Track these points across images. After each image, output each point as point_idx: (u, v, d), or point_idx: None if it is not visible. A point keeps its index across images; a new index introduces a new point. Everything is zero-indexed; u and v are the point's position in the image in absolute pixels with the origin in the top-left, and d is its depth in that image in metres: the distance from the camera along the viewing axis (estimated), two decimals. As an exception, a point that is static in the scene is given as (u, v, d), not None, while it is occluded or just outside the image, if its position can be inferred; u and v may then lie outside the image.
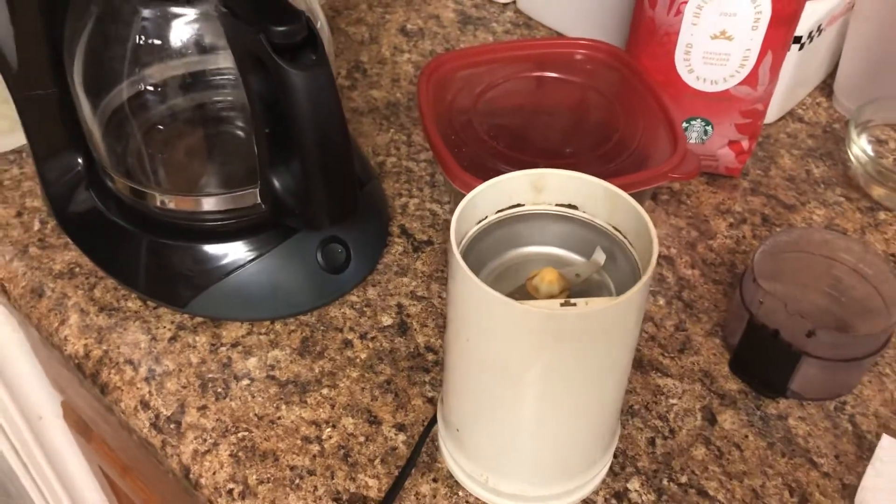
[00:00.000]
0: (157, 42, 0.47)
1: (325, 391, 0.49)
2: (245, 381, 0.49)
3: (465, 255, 0.39)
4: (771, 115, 0.66)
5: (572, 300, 0.36)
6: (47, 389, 0.78)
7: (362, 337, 0.52)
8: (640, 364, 0.51)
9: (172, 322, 0.52)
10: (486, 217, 0.41)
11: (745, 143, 0.60)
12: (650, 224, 0.37)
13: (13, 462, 0.81)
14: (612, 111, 0.58)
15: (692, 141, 0.60)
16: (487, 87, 0.60)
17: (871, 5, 0.64)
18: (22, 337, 0.73)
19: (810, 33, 0.62)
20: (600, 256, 0.40)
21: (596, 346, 0.36)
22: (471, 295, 0.36)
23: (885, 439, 0.45)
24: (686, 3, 0.53)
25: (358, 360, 0.50)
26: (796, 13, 0.54)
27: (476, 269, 0.40)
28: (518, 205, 0.41)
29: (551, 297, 0.39)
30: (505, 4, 0.80)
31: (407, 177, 0.62)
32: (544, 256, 0.42)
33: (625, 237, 0.39)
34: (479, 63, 0.62)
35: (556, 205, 0.41)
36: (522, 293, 0.40)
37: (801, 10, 0.55)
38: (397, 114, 0.68)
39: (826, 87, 0.71)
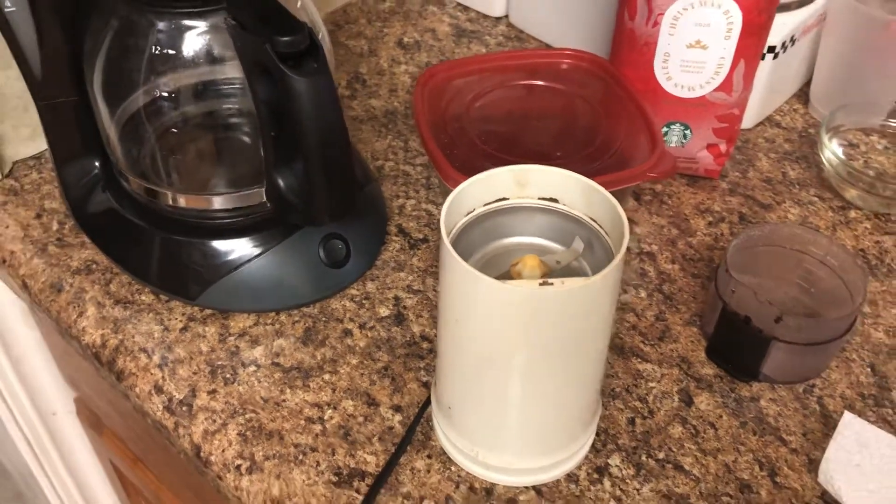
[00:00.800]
0: (171, 52, 0.50)
1: (326, 376, 0.52)
2: (252, 368, 0.53)
3: (454, 244, 0.43)
4: (749, 120, 0.70)
5: (550, 280, 0.40)
6: (61, 386, 0.81)
7: (361, 327, 0.55)
8: (622, 350, 0.54)
9: (183, 314, 0.56)
10: (474, 209, 0.44)
11: (722, 147, 0.64)
12: (622, 213, 0.40)
13: (28, 458, 0.84)
14: (596, 116, 0.62)
15: (672, 144, 0.64)
16: (479, 95, 0.64)
17: (841, 19, 0.68)
18: (38, 336, 0.76)
19: (784, 43, 0.66)
20: (579, 245, 0.44)
21: (573, 324, 0.40)
22: (458, 278, 0.40)
23: (847, 415, 0.49)
24: (663, 14, 0.57)
25: (357, 347, 0.54)
26: (766, 24, 0.58)
27: (464, 258, 0.43)
28: (503, 198, 0.45)
29: (534, 280, 0.42)
30: (498, 18, 0.84)
31: (404, 180, 0.66)
32: (528, 246, 0.45)
33: (601, 227, 0.43)
34: (471, 73, 0.66)
35: (539, 198, 0.45)
36: (507, 278, 0.43)
37: (771, 22, 0.58)
38: (395, 121, 0.71)
39: (803, 94, 0.75)
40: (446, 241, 0.39)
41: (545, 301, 0.38)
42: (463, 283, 0.39)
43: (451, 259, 0.39)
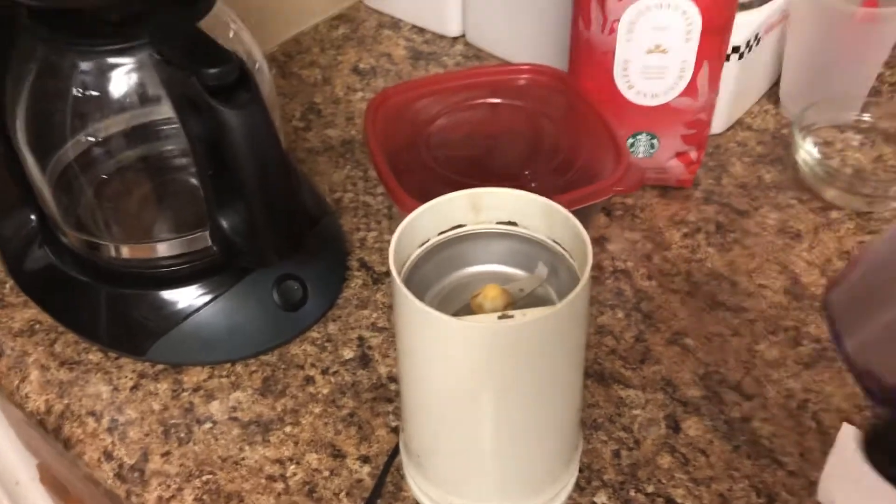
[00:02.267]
0: (99, 94, 0.47)
1: (287, 429, 0.49)
2: (208, 425, 0.49)
3: (408, 279, 0.40)
4: (719, 125, 0.67)
5: (510, 312, 0.36)
6: (22, 453, 0.77)
7: (324, 372, 0.52)
8: (602, 377, 0.51)
9: (134, 371, 0.52)
10: (429, 240, 0.41)
11: (693, 154, 0.61)
12: (584, 234, 0.37)
13: (-7, 530, 0.80)
14: (559, 132, 0.59)
15: (640, 155, 0.61)
16: (436, 117, 0.61)
17: (804, 14, 0.65)
18: (-7, 401, 0.72)
19: (748, 42, 0.63)
20: (542, 270, 0.41)
21: (541, 357, 0.36)
22: (413, 317, 0.36)
23: (845, 427, 0.45)
24: (618, 20, 0.54)
25: (320, 395, 0.50)
26: (728, 23, 0.55)
27: (421, 293, 0.40)
28: (459, 225, 0.42)
29: (496, 312, 0.39)
30: (454, 38, 0.81)
31: (364, 211, 0.63)
32: (488, 274, 0.42)
33: (564, 249, 0.40)
34: (427, 94, 0.63)
35: (497, 223, 0.42)
36: (468, 312, 0.40)
37: (733, 20, 0.56)
38: (353, 151, 0.68)
39: (773, 94, 0.72)
40: (396, 278, 0.36)
41: (506, 336, 0.35)
42: (417, 322, 0.36)
43: (403, 297, 0.36)
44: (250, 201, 0.44)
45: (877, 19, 0.64)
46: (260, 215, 0.44)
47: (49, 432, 0.51)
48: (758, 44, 0.65)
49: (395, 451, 0.46)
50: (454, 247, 0.42)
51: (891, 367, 0.26)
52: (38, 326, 0.55)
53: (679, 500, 0.45)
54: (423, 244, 0.41)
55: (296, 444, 0.48)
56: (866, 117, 0.67)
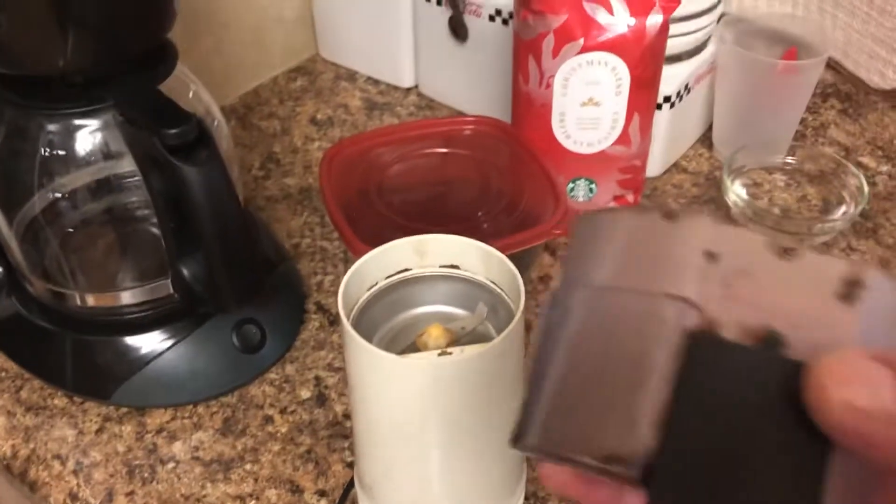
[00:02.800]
0: (64, 153, 0.50)
1: (248, 466, 0.51)
2: (171, 465, 0.51)
3: (357, 321, 0.43)
4: (655, 168, 0.71)
5: (449, 350, 0.40)
6: (-14, 500, 0.78)
7: (282, 411, 0.54)
8: (545, 409, 0.54)
9: (98, 414, 0.54)
10: (377, 283, 0.44)
11: (629, 197, 0.65)
12: (518, 275, 0.41)
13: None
14: (504, 178, 0.63)
15: (580, 199, 0.65)
16: (388, 166, 0.65)
17: (731, 66, 0.70)
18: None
19: (678, 92, 0.68)
20: (482, 309, 0.44)
21: (480, 390, 0.40)
22: (361, 356, 0.39)
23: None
24: (554, 76, 0.58)
25: (279, 433, 0.53)
26: (654, 77, 0.60)
27: (369, 334, 0.43)
28: (405, 269, 0.45)
29: (439, 349, 0.42)
30: (408, 89, 0.85)
31: (321, 255, 0.66)
32: (433, 315, 0.45)
33: (501, 289, 0.43)
34: (379, 145, 0.66)
35: (440, 266, 0.45)
36: (414, 350, 0.43)
37: (660, 74, 0.60)
38: (310, 198, 0.72)
39: (706, 138, 0.77)
40: (345, 320, 0.39)
41: (446, 370, 0.38)
42: (365, 361, 0.39)
43: (351, 338, 0.39)
44: (209, 251, 0.47)
45: (796, 71, 0.69)
46: (219, 264, 0.47)
47: (15, 476, 0.53)
48: (688, 93, 0.70)
49: (351, 485, 0.49)
50: (400, 289, 0.45)
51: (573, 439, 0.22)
52: (3, 374, 0.57)
53: (617, 523, 0.48)
54: (371, 287, 0.44)
55: (255, 480, 0.50)
56: (791, 160, 0.71)
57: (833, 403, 0.19)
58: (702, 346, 0.20)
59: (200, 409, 0.54)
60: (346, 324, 0.39)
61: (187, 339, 0.54)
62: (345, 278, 0.41)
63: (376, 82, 0.86)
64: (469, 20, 0.73)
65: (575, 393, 0.21)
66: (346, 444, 0.52)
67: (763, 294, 0.20)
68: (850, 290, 0.20)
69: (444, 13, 0.75)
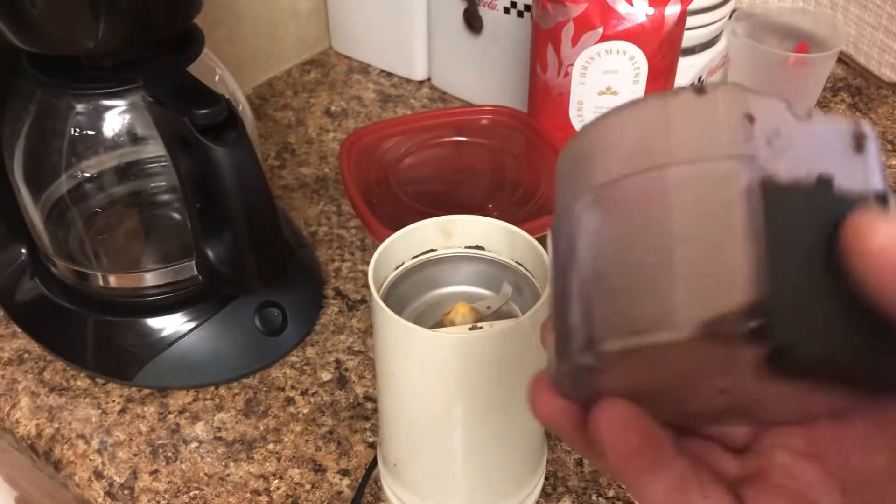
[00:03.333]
0: (93, 133, 0.51)
1: (270, 446, 0.52)
2: (194, 444, 0.52)
3: (385, 299, 0.43)
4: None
5: (479, 324, 0.40)
6: (1, 486, 0.78)
7: (304, 393, 0.55)
8: (564, 392, 0.54)
9: (121, 395, 0.55)
10: (403, 263, 0.45)
11: (644, 187, 0.66)
12: (544, 254, 0.41)
13: (-32, 566, 0.80)
14: (520, 167, 0.63)
15: (596, 188, 0.65)
16: (405, 155, 0.65)
17: (743, 58, 0.71)
18: (-27, 435, 0.74)
19: (692, 84, 0.69)
20: (507, 289, 0.45)
21: (507, 366, 0.40)
22: (390, 331, 0.40)
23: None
24: (572, 65, 0.59)
25: (300, 414, 0.53)
26: (671, 67, 0.61)
27: (397, 311, 0.44)
28: (431, 250, 0.45)
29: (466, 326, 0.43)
30: (421, 82, 0.86)
31: (339, 243, 0.66)
32: (458, 294, 0.46)
33: (527, 270, 0.44)
34: (396, 133, 0.67)
35: (465, 247, 0.46)
36: (440, 328, 0.44)
37: (676, 64, 0.61)
38: (326, 187, 0.72)
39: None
40: (375, 295, 0.40)
41: (476, 345, 0.38)
42: (395, 335, 0.40)
43: (382, 312, 0.39)
44: (236, 232, 0.47)
45: (807, 64, 0.70)
46: (245, 245, 0.48)
47: (40, 455, 0.53)
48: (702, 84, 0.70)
49: (374, 464, 0.50)
50: (426, 269, 0.45)
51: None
52: (26, 355, 0.58)
53: None
54: (398, 267, 0.45)
55: (278, 460, 0.51)
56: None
57: (872, 247, 0.19)
58: (777, 196, 0.20)
59: (222, 390, 0.55)
60: (377, 297, 0.39)
61: (210, 321, 0.54)
62: (374, 256, 0.42)
63: (389, 75, 0.87)
64: (484, 12, 0.74)
65: (624, 280, 0.21)
66: (368, 426, 0.53)
67: (797, 149, 0.21)
68: (859, 143, 0.22)
69: (458, 5, 0.76)
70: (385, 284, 0.44)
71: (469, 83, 0.81)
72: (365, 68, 0.88)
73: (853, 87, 0.82)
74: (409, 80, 0.86)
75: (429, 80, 0.86)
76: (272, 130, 0.79)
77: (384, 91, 0.85)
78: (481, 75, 0.79)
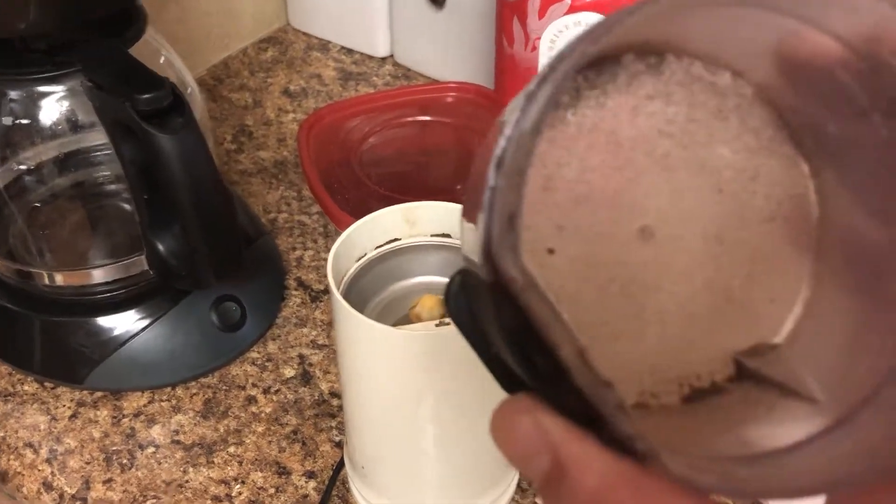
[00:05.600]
0: (29, 122, 0.47)
1: (231, 449, 0.49)
2: (150, 449, 0.49)
3: (347, 294, 0.41)
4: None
5: (447, 320, 0.38)
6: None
7: (266, 391, 0.52)
8: (538, 382, 0.52)
9: (72, 399, 0.52)
10: (366, 254, 0.42)
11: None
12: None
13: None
14: (489, 147, 0.61)
15: (567, 167, 0.63)
16: (367, 136, 0.63)
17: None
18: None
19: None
20: (477, 279, 0.42)
21: (476, 364, 0.38)
22: (352, 329, 0.37)
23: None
24: (540, 38, 0.56)
25: (263, 414, 0.51)
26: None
27: (360, 306, 0.41)
28: (395, 239, 0.43)
29: (434, 321, 0.40)
30: (383, 59, 0.83)
31: (300, 230, 0.64)
32: (425, 285, 0.43)
33: (497, 258, 0.41)
34: (358, 113, 0.64)
35: (431, 235, 0.43)
36: (406, 322, 0.41)
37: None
38: (286, 171, 0.69)
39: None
40: (335, 291, 0.37)
41: (443, 342, 0.36)
42: (357, 333, 0.37)
43: (342, 309, 0.37)
44: (187, 223, 0.44)
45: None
46: (196, 237, 0.45)
47: (-15, 466, 0.50)
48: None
49: (340, 465, 0.47)
50: (391, 260, 0.43)
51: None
52: (-31, 359, 0.54)
53: (616, 496, 0.46)
54: (360, 258, 0.42)
55: (240, 463, 0.48)
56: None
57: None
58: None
59: (179, 391, 0.52)
60: (337, 294, 0.37)
61: (163, 318, 0.51)
62: (333, 248, 0.39)
63: (350, 52, 0.83)
64: (447, -15, 0.71)
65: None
66: (334, 423, 0.50)
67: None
68: None
69: (420, -22, 0.73)
70: (346, 278, 0.41)
71: (433, 59, 0.78)
72: (325, 45, 0.85)
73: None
74: (370, 57, 0.83)
75: (391, 56, 0.82)
76: (228, 113, 0.76)
77: (345, 69, 0.81)
78: (446, 51, 0.76)
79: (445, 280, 0.44)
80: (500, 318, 0.20)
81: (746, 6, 0.20)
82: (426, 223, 0.43)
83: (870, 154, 0.21)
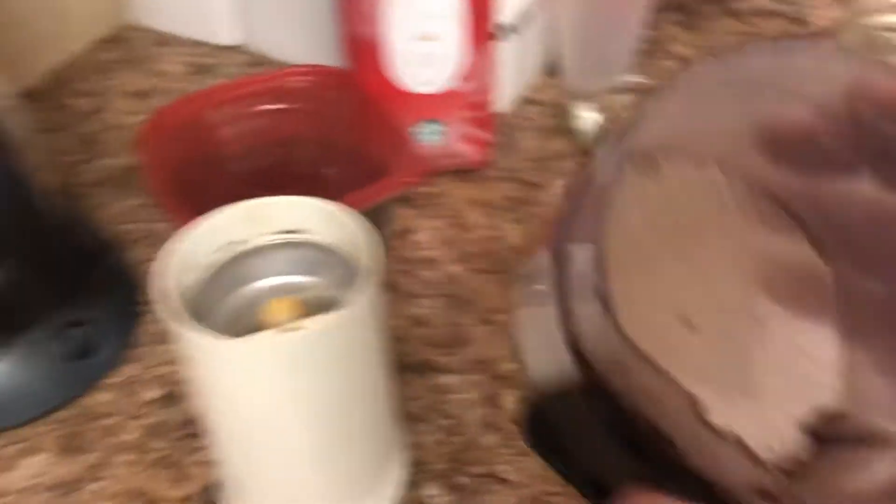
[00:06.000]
0: None
1: (95, 485, 0.45)
2: (9, 498, 0.45)
3: (187, 308, 0.37)
4: (504, 102, 0.68)
5: (296, 324, 0.35)
6: None
7: (128, 418, 0.48)
8: (418, 368, 0.50)
9: None
10: (206, 261, 0.39)
11: (481, 135, 0.62)
12: (367, 233, 0.37)
13: None
14: (348, 129, 0.58)
15: (430, 143, 0.61)
16: (221, 130, 0.59)
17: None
18: None
19: (519, 20, 0.65)
20: (331, 275, 0.40)
21: (336, 362, 0.35)
22: (191, 348, 0.34)
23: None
24: (377, 8, 0.54)
25: (127, 443, 0.47)
26: (492, 3, 0.56)
27: (206, 317, 0.38)
28: (241, 240, 0.40)
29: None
30: (234, 47, 0.78)
31: (154, 239, 0.59)
32: (279, 287, 0.41)
33: (353, 250, 0.39)
34: (207, 107, 0.60)
35: (280, 232, 0.40)
36: (258, 330, 0.38)
37: (496, 2, 0.57)
38: (136, 178, 0.65)
39: (553, 66, 0.75)
40: (163, 307, 0.34)
41: (291, 346, 0.33)
42: (198, 351, 0.34)
43: (173, 327, 0.34)
44: (13, 252, 0.40)
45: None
46: (23, 267, 0.40)
47: None
48: (530, 21, 0.67)
49: (216, 486, 0.44)
50: (237, 264, 0.40)
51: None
52: None
53: (505, 476, 0.45)
54: (198, 267, 0.39)
55: (106, 499, 0.45)
56: (636, 78, 0.70)
57: None
58: None
59: (34, 429, 0.48)
60: (163, 312, 0.34)
61: (4, 356, 0.47)
62: (159, 261, 0.36)
63: (198, 44, 0.79)
64: (288, -36, 0.67)
65: None
66: (206, 442, 0.47)
67: None
68: None
69: (259, -41, 0.69)
70: (185, 289, 0.38)
71: (286, 43, 0.74)
72: (171, 39, 0.80)
73: (680, 3, 0.81)
74: (220, 48, 0.78)
75: (244, 45, 0.78)
76: (69, 121, 0.70)
77: (195, 62, 0.77)
78: (297, 32, 0.72)
79: (300, 278, 0.41)
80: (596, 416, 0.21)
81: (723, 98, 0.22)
82: (274, 220, 0.40)
83: (861, 213, 0.23)
